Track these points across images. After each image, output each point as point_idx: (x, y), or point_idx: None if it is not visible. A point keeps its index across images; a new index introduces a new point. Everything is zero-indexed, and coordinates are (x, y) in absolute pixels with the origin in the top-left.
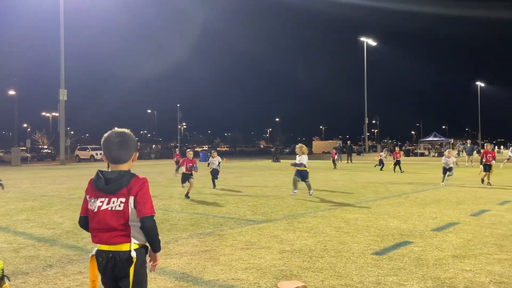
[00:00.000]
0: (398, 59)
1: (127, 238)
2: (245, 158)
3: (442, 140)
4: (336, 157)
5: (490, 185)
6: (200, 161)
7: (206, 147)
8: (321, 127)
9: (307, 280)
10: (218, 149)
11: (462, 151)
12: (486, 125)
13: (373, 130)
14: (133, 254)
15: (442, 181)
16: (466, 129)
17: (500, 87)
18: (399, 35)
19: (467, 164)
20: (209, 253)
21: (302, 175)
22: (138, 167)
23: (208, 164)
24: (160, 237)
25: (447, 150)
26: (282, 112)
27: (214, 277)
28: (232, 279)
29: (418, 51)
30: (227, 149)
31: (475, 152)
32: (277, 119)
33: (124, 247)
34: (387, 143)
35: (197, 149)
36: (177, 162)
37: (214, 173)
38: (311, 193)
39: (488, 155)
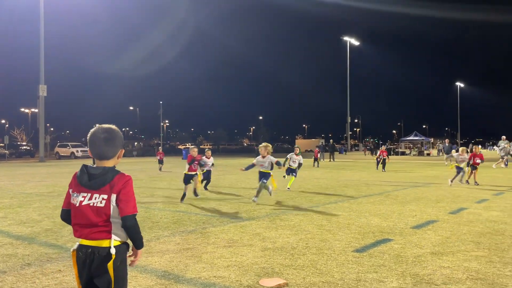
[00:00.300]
0: (381, 59)
1: (107, 235)
2: (228, 155)
3: (423, 139)
4: (318, 155)
5: (468, 183)
6: (182, 159)
7: (189, 145)
8: (304, 125)
9: (288, 278)
10: (201, 147)
11: (441, 150)
12: (465, 125)
13: (355, 129)
14: (112, 251)
15: (465, 180)
16: (445, 128)
17: (480, 87)
18: (382, 35)
19: (446, 163)
20: (191, 251)
21: (264, 176)
22: (119, 165)
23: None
24: (142, 235)
25: (460, 148)
26: (265, 110)
27: (196, 275)
28: (214, 276)
29: (401, 51)
30: (211, 146)
31: (454, 151)
32: (260, 117)
33: (104, 243)
34: (369, 141)
35: (180, 146)
36: (160, 160)
37: (207, 175)
38: (255, 199)
39: (476, 158)
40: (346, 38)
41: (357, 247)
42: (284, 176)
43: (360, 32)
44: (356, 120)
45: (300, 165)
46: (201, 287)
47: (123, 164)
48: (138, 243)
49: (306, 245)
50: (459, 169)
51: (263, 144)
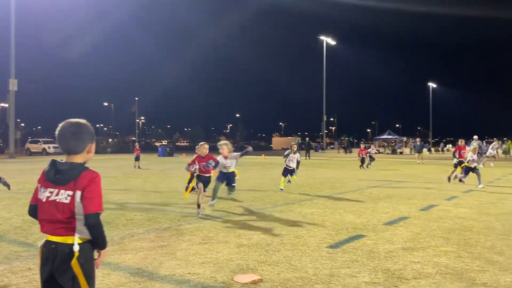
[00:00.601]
0: (357, 58)
1: (71, 232)
2: None
3: (396, 138)
4: None
5: (463, 182)
6: (159, 155)
7: (165, 142)
8: (280, 123)
9: (263, 274)
10: (177, 144)
11: (413, 149)
12: (437, 124)
13: (330, 128)
14: (75, 248)
15: (480, 183)
16: (418, 127)
17: (452, 88)
18: (359, 33)
19: (418, 162)
20: (166, 248)
21: (230, 178)
22: (93, 161)
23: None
24: (115, 232)
25: (472, 146)
26: (242, 108)
27: (170, 272)
28: (189, 273)
29: (376, 50)
30: (187, 144)
31: (425, 150)
32: (237, 115)
33: (67, 239)
34: (344, 140)
35: (156, 143)
36: (137, 157)
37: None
38: (230, 194)
39: (462, 151)
40: (322, 38)
41: (331, 243)
42: (289, 182)
43: (337, 30)
44: (332, 119)
45: (298, 163)
46: (175, 284)
47: (97, 161)
48: (101, 243)
49: (281, 242)
50: (468, 170)
51: (223, 142)
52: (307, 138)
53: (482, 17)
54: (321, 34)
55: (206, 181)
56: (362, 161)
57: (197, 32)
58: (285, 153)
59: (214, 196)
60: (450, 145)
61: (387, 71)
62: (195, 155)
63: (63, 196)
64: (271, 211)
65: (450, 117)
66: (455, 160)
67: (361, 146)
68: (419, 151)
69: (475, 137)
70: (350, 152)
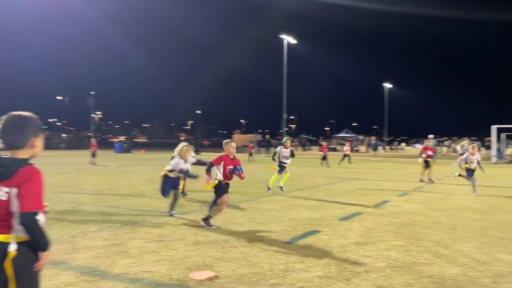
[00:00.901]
0: (316, 56)
1: (7, 230)
2: (164, 150)
3: (353, 136)
4: (253, 150)
5: (432, 182)
6: (115, 152)
7: (123, 138)
8: (241, 121)
9: (219, 270)
10: (135, 140)
11: (368, 147)
12: (392, 123)
13: (290, 126)
14: (10, 248)
15: (474, 191)
16: (374, 126)
17: (406, 88)
18: (318, 32)
19: (373, 159)
20: (120, 246)
21: (176, 181)
22: (44, 157)
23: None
24: (65, 231)
25: (471, 146)
26: (203, 104)
27: (123, 270)
28: (143, 271)
29: (335, 49)
30: (146, 140)
31: (380, 148)
32: (198, 112)
33: (6, 238)
34: (304, 138)
35: (113, 139)
36: (93, 154)
37: (187, 176)
38: (174, 213)
39: (428, 151)
40: (283, 36)
41: (287, 239)
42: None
43: (297, 28)
44: (292, 117)
45: (293, 155)
46: (128, 283)
47: (49, 157)
48: (40, 244)
49: (238, 238)
50: (471, 172)
51: (185, 145)
52: (267, 136)
53: (438, 17)
54: (282, 32)
55: (227, 190)
56: (324, 158)
57: (157, 23)
58: (276, 150)
59: (174, 207)
60: (404, 144)
61: (346, 70)
62: (221, 155)
63: (2, 192)
64: (229, 208)
65: (405, 116)
66: (420, 159)
67: (322, 144)
68: (375, 149)
69: (430, 136)
70: (309, 149)
